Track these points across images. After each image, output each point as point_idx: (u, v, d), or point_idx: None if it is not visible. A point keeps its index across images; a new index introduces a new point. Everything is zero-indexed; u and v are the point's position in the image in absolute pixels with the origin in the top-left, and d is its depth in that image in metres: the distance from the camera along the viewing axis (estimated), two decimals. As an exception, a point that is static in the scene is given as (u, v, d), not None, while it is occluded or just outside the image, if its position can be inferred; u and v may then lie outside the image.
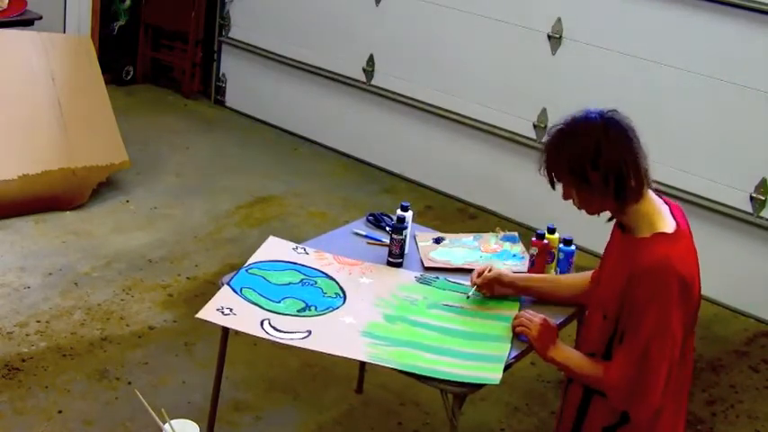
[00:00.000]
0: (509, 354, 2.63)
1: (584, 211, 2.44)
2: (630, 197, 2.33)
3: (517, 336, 2.67)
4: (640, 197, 2.34)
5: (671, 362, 2.31)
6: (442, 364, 2.57)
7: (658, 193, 2.48)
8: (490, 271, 2.87)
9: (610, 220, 2.47)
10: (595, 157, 2.29)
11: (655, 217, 2.36)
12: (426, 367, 2.56)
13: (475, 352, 2.63)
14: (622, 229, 2.43)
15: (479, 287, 2.86)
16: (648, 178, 2.36)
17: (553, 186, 2.40)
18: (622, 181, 2.30)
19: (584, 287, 2.76)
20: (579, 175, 2.32)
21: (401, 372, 2.57)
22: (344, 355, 2.63)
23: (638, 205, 2.35)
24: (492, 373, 2.54)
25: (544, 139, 2.41)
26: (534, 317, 2.62)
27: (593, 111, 2.36)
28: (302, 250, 3.12)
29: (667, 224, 2.35)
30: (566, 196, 2.41)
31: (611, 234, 2.54)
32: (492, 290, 2.87)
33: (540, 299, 2.87)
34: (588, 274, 2.79)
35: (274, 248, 3.13)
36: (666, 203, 2.43)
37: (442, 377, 2.52)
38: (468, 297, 2.86)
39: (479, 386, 2.56)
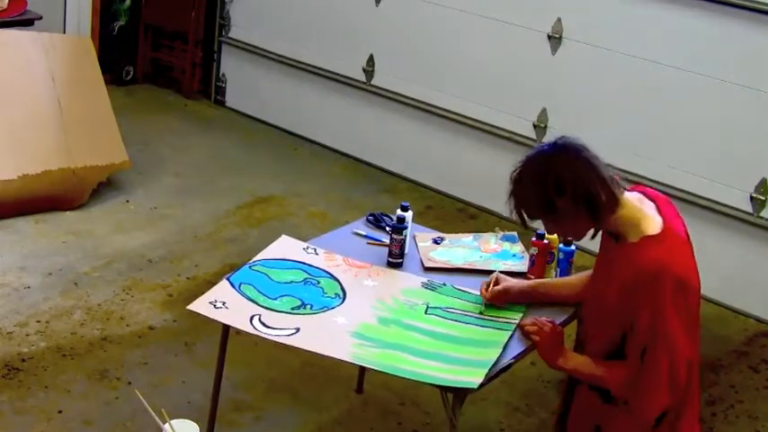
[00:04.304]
0: (498, 359, 2.60)
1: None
2: (606, 211, 2.32)
3: (526, 335, 2.67)
4: (617, 206, 2.33)
5: (670, 365, 2.31)
6: (424, 367, 2.55)
7: (641, 187, 2.47)
8: (497, 283, 2.86)
9: (594, 237, 2.45)
10: (558, 184, 2.29)
11: (639, 219, 2.34)
12: (408, 370, 2.54)
13: (462, 357, 2.61)
14: (614, 238, 2.41)
15: (490, 300, 2.85)
16: (618, 185, 2.35)
17: (525, 226, 2.41)
18: (593, 198, 2.30)
19: (583, 285, 2.76)
20: (550, 208, 2.32)
21: (383, 373, 2.56)
22: (328, 354, 2.61)
23: (617, 213, 2.34)
24: (472, 377, 2.51)
25: (508, 187, 2.41)
26: (545, 325, 2.62)
27: (544, 144, 2.39)
28: (312, 251, 3.12)
29: (653, 224, 2.33)
30: (549, 231, 2.45)
31: (601, 243, 2.53)
32: (501, 301, 2.86)
33: (545, 302, 2.86)
34: (587, 273, 2.79)
35: (285, 247, 3.13)
36: (653, 198, 2.41)
37: (421, 380, 2.52)
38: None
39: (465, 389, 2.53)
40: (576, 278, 2.87)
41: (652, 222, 2.34)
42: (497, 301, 2.85)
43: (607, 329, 2.42)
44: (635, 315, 2.30)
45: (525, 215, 2.38)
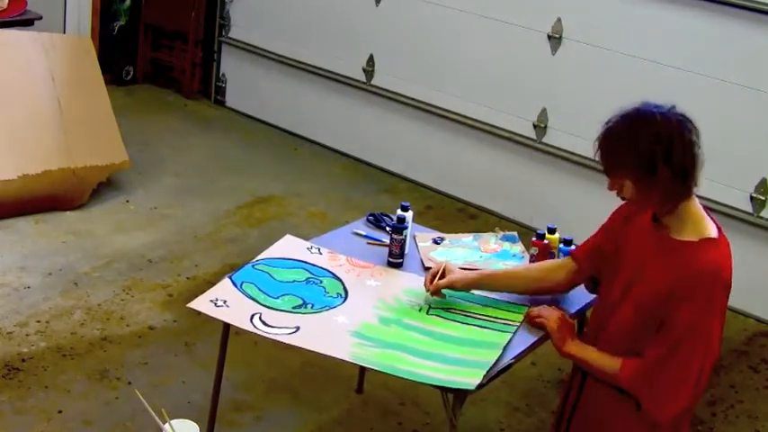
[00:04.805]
0: (497, 360, 2.59)
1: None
2: (687, 195, 2.31)
3: (534, 326, 2.68)
4: (691, 195, 2.33)
5: (702, 366, 2.31)
6: (422, 367, 2.54)
7: None
8: (443, 276, 2.82)
9: (655, 218, 2.39)
10: (668, 150, 2.25)
11: (701, 219, 2.34)
12: (406, 370, 2.54)
13: (461, 357, 2.60)
14: (663, 228, 2.37)
15: (434, 293, 2.83)
16: (699, 178, 2.33)
17: (608, 174, 2.35)
18: (689, 179, 2.28)
19: (559, 274, 2.72)
20: (647, 167, 2.25)
21: (382, 373, 2.56)
22: (327, 353, 2.61)
23: (687, 204, 2.33)
24: (470, 378, 2.50)
25: (606, 127, 2.34)
26: (553, 311, 2.63)
27: (662, 106, 2.36)
28: (316, 250, 3.11)
29: (712, 228, 2.34)
30: (613, 187, 2.35)
31: (628, 224, 2.48)
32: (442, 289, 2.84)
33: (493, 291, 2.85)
34: (559, 261, 2.78)
35: (288, 247, 3.13)
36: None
37: (419, 380, 2.51)
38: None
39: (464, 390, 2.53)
40: (527, 269, 2.85)
41: (711, 225, 2.35)
42: (440, 296, 2.83)
43: (631, 311, 2.37)
44: (676, 306, 2.27)
45: (607, 162, 2.32)
